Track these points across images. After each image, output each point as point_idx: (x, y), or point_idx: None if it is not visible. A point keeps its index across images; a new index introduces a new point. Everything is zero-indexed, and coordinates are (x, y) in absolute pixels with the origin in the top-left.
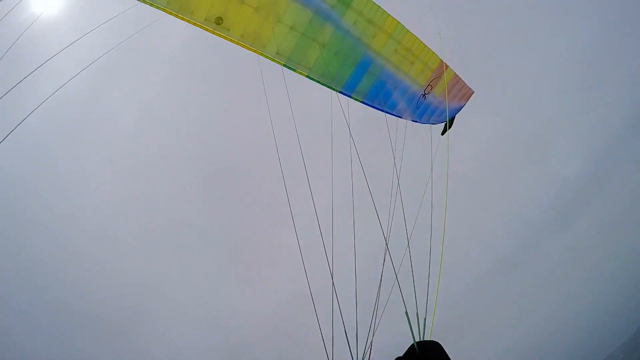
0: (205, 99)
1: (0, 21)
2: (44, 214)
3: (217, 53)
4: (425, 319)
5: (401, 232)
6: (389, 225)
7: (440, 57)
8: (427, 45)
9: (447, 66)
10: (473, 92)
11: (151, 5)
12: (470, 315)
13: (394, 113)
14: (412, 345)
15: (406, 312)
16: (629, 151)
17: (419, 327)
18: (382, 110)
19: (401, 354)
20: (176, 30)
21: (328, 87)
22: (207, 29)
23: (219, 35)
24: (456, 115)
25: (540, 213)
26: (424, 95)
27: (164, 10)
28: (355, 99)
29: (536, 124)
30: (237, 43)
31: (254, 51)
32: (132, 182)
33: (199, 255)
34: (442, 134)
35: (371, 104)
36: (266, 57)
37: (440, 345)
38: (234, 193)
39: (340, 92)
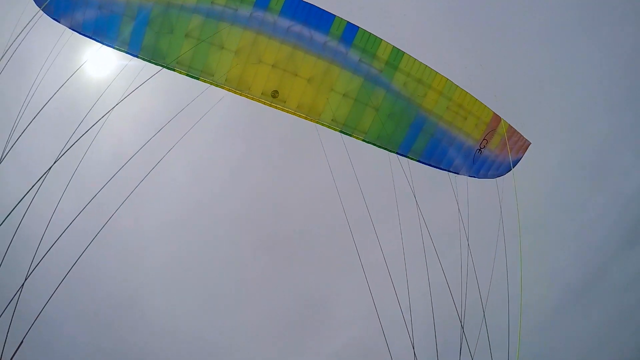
0: (269, 167)
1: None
2: (103, 279)
3: (277, 121)
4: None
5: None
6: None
7: (494, 111)
8: (478, 99)
9: (500, 118)
10: (530, 143)
11: (211, 84)
12: (550, 350)
13: (451, 170)
14: None
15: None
16: None
17: None
18: (439, 168)
19: None
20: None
21: (385, 149)
22: (265, 103)
23: (277, 108)
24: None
25: (606, 234)
26: (479, 150)
27: (223, 88)
28: (412, 159)
29: (592, 145)
30: (294, 114)
31: (311, 120)
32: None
33: (254, 313)
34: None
35: (427, 162)
36: (323, 124)
37: None
38: (289, 252)
39: (397, 153)
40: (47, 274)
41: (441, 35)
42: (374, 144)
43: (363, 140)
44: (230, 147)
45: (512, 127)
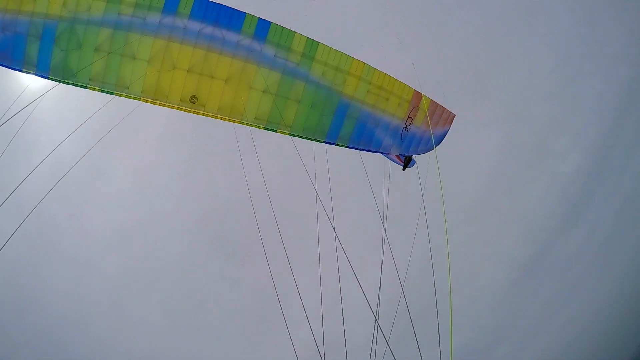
0: (213, 169)
1: None
2: (47, 294)
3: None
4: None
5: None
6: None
7: (414, 87)
8: (397, 79)
9: (421, 95)
10: (455, 115)
11: (127, 97)
12: (495, 331)
13: (381, 151)
14: None
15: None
16: (624, 134)
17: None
18: (370, 150)
19: None
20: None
21: (312, 139)
22: (184, 109)
23: (197, 113)
24: (434, 145)
25: (548, 213)
26: (406, 127)
27: (140, 99)
28: (341, 145)
29: (529, 130)
30: (216, 117)
31: (234, 121)
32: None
33: (211, 316)
34: (403, 169)
35: (357, 146)
36: (246, 124)
37: None
38: (239, 253)
39: (325, 142)
40: None
41: (379, 26)
42: (302, 137)
43: (289, 135)
44: (172, 153)
45: (434, 101)
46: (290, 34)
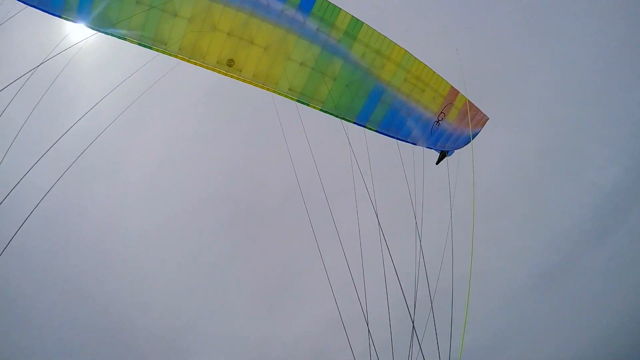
0: (227, 139)
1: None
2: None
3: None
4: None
5: (435, 256)
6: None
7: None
8: (437, 72)
9: (458, 92)
10: (488, 118)
11: (164, 53)
12: (508, 334)
13: (408, 140)
14: None
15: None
16: None
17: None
18: (397, 138)
19: None
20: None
21: (342, 118)
22: (220, 72)
23: (232, 77)
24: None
25: (578, 224)
26: (437, 122)
27: (177, 57)
28: (370, 129)
29: (565, 135)
30: (250, 83)
31: (267, 89)
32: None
33: (229, 284)
34: (437, 163)
35: (386, 132)
36: (279, 94)
37: None
38: (262, 225)
39: (355, 123)
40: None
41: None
42: (333, 114)
43: (321, 110)
44: (199, 123)
45: (470, 101)
46: (336, 10)
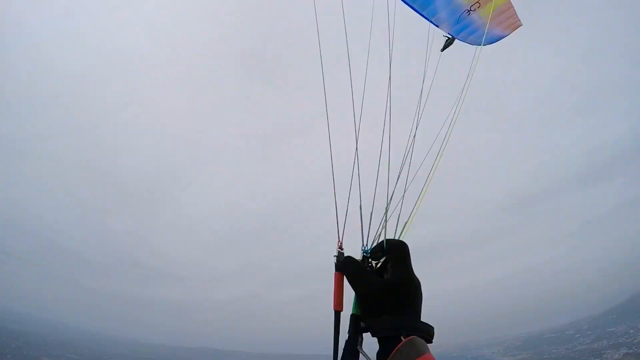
0: None
1: None
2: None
3: None
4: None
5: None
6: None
7: None
8: None
9: None
10: (520, 25)
11: None
12: (477, 242)
13: (432, 20)
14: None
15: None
16: None
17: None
18: (421, 15)
19: None
20: None
21: None
22: None
23: None
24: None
25: (570, 167)
26: (468, 10)
27: None
28: None
29: (593, 78)
30: None
31: None
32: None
33: (231, 126)
34: (442, 50)
35: (411, 4)
36: None
37: (406, 245)
38: (272, 73)
39: None
40: None
41: None
42: None
43: None
44: None
45: (510, 1)
46: None
